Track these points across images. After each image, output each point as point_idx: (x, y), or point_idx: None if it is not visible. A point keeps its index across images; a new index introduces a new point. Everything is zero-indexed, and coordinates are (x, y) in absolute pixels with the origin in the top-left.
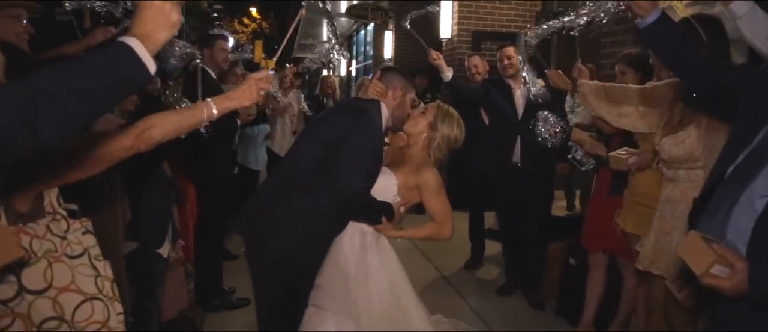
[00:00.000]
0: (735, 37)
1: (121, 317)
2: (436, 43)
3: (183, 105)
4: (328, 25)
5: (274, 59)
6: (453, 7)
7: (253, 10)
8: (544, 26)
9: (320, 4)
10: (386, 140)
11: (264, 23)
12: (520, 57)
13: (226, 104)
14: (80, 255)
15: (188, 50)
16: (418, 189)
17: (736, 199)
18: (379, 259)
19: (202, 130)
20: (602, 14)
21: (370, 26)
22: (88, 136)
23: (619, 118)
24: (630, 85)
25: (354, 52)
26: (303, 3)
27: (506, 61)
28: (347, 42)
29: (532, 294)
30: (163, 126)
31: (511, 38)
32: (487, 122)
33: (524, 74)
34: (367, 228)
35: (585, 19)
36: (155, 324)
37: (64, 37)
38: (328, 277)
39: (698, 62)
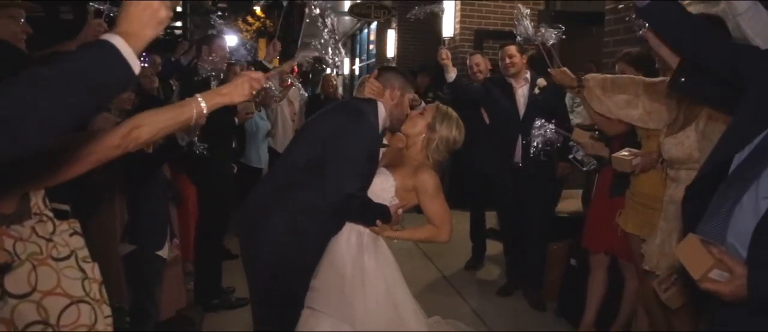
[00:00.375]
0: (737, 35)
1: (110, 320)
2: (438, 42)
3: None
4: (322, 23)
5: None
6: (455, 5)
7: (257, 9)
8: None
9: (315, 8)
10: (385, 140)
11: (268, 22)
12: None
13: (216, 99)
14: (67, 258)
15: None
16: (415, 191)
17: (737, 199)
18: (375, 261)
19: (181, 142)
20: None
21: (373, 25)
22: (74, 136)
23: (628, 108)
24: (639, 76)
25: (357, 51)
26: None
27: (508, 60)
28: (350, 41)
29: (532, 294)
30: (150, 125)
31: (513, 37)
32: (488, 121)
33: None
34: (363, 229)
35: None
36: (153, 324)
37: (68, 35)
38: (323, 279)
39: (703, 37)
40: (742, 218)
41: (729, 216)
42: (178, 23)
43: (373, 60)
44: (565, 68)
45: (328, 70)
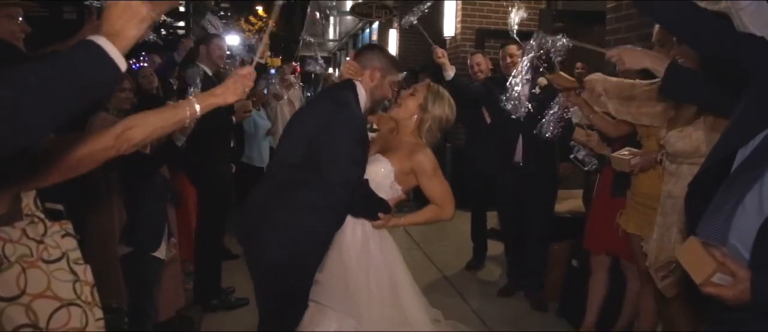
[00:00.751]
0: (740, 31)
1: (102, 323)
2: (440, 42)
3: None
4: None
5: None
6: (457, 5)
7: (260, 9)
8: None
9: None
10: (374, 126)
11: (270, 22)
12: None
13: (210, 100)
14: (58, 260)
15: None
16: (414, 173)
17: (740, 198)
18: (381, 255)
19: (178, 143)
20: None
21: (375, 24)
22: (68, 137)
23: (627, 106)
24: (636, 80)
25: None
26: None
27: (509, 60)
28: (352, 40)
29: (533, 295)
30: (143, 126)
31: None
32: (489, 121)
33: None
34: (368, 223)
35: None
36: (152, 324)
37: (70, 35)
38: (329, 273)
39: (704, 24)
40: (744, 218)
41: (731, 216)
42: (181, 23)
43: None
44: (561, 73)
45: (330, 70)
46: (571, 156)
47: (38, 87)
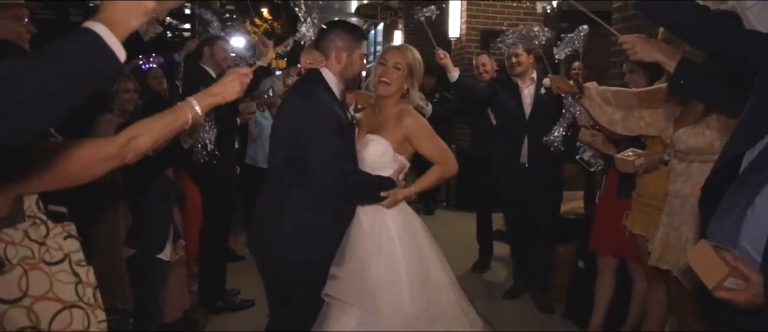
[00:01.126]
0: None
1: (104, 325)
2: (445, 42)
3: None
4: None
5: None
6: (462, 5)
7: (265, 11)
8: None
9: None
10: (358, 105)
11: (275, 24)
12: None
13: (209, 100)
14: (60, 262)
15: None
16: (407, 140)
17: (750, 200)
18: (402, 223)
19: (184, 144)
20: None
21: (380, 26)
22: (69, 141)
23: (627, 122)
24: (631, 89)
25: None
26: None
27: (514, 60)
28: None
29: (539, 297)
30: (149, 134)
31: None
32: (494, 122)
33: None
34: (378, 208)
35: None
36: (157, 326)
37: None
38: (344, 267)
39: (710, 25)
40: (754, 221)
41: (741, 218)
42: (187, 25)
43: None
44: (562, 76)
45: None
46: (577, 157)
47: (34, 77)
